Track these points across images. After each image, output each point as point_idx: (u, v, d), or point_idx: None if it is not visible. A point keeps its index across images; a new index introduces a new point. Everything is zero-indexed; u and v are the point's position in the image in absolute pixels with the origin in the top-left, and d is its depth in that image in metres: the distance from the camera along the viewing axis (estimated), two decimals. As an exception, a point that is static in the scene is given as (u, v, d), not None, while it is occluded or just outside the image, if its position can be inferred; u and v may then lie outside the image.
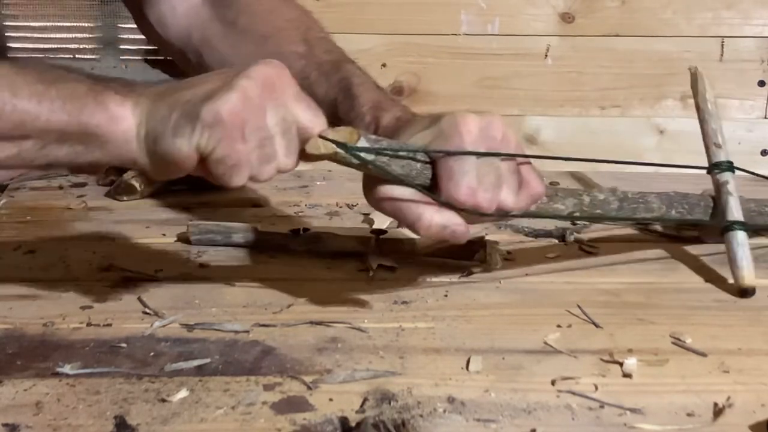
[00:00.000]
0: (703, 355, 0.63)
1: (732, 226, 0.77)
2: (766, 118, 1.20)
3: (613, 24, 1.17)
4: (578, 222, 0.93)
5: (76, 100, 0.58)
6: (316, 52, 0.80)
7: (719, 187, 0.81)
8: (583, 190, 0.72)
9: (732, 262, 0.75)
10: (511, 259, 0.81)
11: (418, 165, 0.63)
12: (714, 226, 0.81)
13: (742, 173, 0.83)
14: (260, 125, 0.58)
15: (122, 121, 0.58)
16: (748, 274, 0.73)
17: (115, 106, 0.58)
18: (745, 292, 0.73)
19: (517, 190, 0.64)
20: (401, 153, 0.62)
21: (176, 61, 0.88)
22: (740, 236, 0.76)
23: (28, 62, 0.62)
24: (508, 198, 0.64)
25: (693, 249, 0.85)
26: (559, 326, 0.67)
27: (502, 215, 0.65)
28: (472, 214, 0.62)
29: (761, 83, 1.19)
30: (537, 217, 0.74)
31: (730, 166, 0.82)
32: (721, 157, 0.82)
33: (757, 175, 0.83)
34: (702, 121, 0.85)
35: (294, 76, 0.61)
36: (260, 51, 0.79)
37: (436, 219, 0.62)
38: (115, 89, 0.59)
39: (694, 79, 0.87)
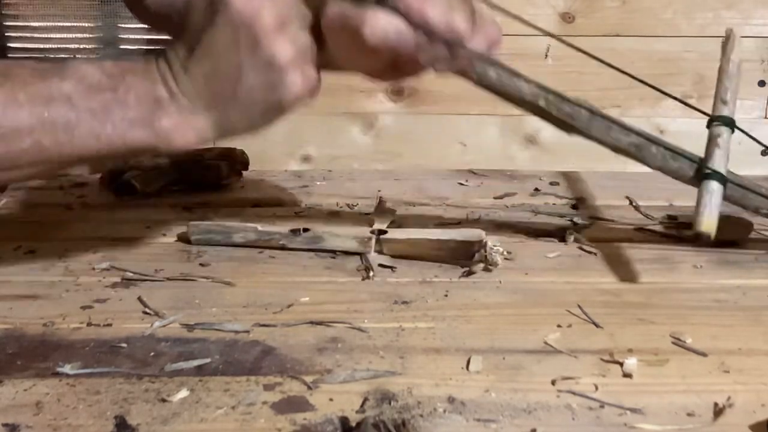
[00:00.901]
0: (704, 355, 0.63)
1: (711, 174, 0.76)
2: (766, 118, 1.20)
3: (613, 24, 1.17)
4: (579, 222, 0.93)
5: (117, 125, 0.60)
6: None
7: (711, 140, 0.79)
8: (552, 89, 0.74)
9: (697, 206, 0.74)
10: (511, 259, 0.81)
11: None
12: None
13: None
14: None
15: (184, 133, 0.60)
16: (707, 221, 0.72)
17: (168, 122, 0.60)
18: (698, 236, 0.72)
19: (472, 22, 0.65)
20: None
21: (165, 31, 0.90)
22: (714, 185, 0.75)
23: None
24: (461, 23, 0.64)
25: (693, 249, 0.85)
26: (559, 326, 0.67)
27: (456, 45, 0.64)
28: (421, 28, 0.62)
29: (761, 83, 1.19)
30: (497, 89, 0.73)
31: (729, 122, 0.80)
32: (723, 112, 0.80)
33: (755, 140, 0.80)
34: (718, 79, 0.83)
35: None
36: None
37: (382, 22, 0.62)
38: (139, 94, 0.60)
39: (727, 38, 0.86)
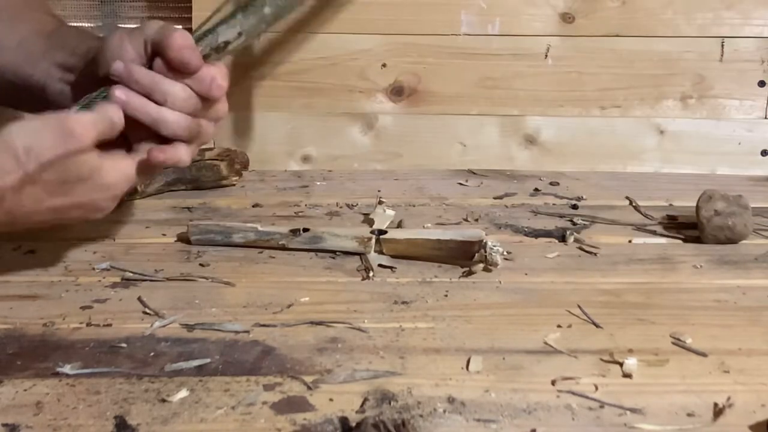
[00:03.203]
0: (703, 355, 0.63)
1: None
2: (766, 118, 1.20)
3: (614, 24, 1.17)
4: (578, 222, 0.93)
5: None
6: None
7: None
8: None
9: None
10: (511, 259, 0.81)
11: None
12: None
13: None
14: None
15: None
16: None
17: None
18: None
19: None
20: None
21: None
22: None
23: None
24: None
25: (693, 249, 0.85)
26: (559, 326, 0.67)
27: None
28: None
29: (761, 83, 1.19)
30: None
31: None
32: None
33: None
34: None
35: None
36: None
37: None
38: None
39: None
